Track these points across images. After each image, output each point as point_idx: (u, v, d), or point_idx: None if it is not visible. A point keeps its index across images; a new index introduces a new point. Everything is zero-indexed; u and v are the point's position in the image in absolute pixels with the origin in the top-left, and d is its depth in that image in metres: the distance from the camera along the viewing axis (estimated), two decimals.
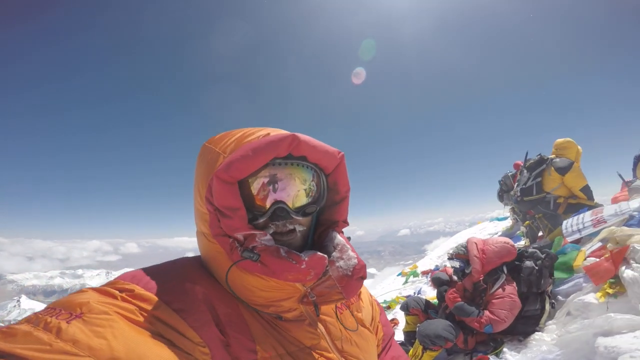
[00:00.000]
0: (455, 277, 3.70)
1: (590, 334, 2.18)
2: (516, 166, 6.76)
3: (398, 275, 8.42)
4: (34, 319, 0.60)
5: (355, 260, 0.84)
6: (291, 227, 0.81)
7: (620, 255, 2.66)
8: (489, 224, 9.43)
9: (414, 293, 5.96)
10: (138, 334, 0.61)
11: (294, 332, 0.83)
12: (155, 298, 0.69)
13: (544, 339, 2.73)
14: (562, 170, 4.72)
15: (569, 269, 3.33)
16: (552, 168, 4.81)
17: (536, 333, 2.91)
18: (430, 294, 5.48)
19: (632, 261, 2.55)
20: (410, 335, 3.61)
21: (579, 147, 5.00)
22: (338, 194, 0.92)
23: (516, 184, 5.43)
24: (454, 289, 3.36)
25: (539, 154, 5.12)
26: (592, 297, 2.65)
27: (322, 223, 0.94)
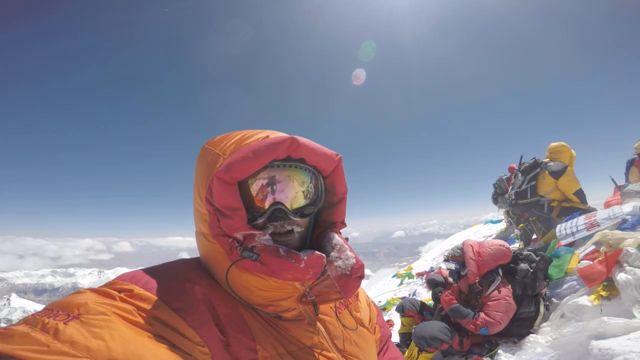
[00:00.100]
0: (450, 279, 3.72)
1: (584, 336, 2.21)
2: (511, 169, 6.83)
3: (393, 276, 8.46)
4: (31, 320, 0.59)
5: (354, 260, 0.85)
6: (289, 228, 0.82)
7: (613, 258, 2.69)
8: (483, 227, 9.50)
9: (409, 295, 5.98)
10: (136, 335, 0.61)
11: (294, 331, 0.83)
12: (155, 298, 0.69)
13: (539, 341, 2.76)
14: (556, 174, 4.77)
15: (563, 272, 3.37)
16: (547, 172, 4.86)
17: (531, 335, 2.94)
18: (425, 295, 5.51)
19: (625, 264, 2.59)
20: (405, 337, 3.63)
21: (573, 151, 5.07)
22: (336, 196, 0.93)
23: (511, 187, 5.49)
24: (450, 291, 3.38)
25: (534, 158, 5.18)
26: (586, 300, 2.68)
27: (320, 224, 0.95)
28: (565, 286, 3.16)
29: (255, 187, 0.80)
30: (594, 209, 4.51)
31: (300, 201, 0.84)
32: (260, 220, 0.80)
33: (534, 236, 5.37)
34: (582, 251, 3.48)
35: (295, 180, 0.83)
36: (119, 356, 0.56)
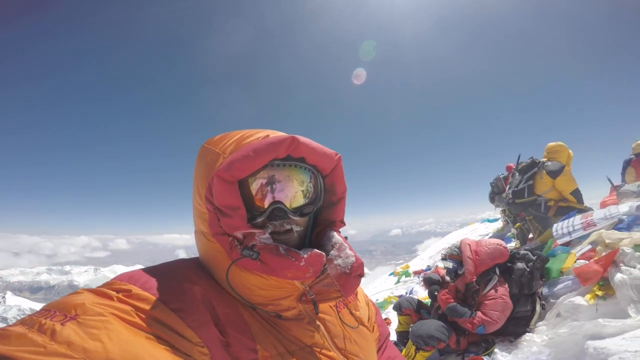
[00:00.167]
0: (447, 278, 3.74)
1: (580, 335, 2.23)
2: (508, 168, 6.86)
3: (390, 274, 8.47)
4: (28, 321, 0.59)
5: (353, 259, 0.85)
6: (288, 227, 0.82)
7: (609, 258, 2.71)
8: (480, 225, 9.54)
9: (406, 293, 6.00)
10: (134, 336, 0.61)
11: (294, 330, 0.83)
12: (153, 298, 0.69)
13: (535, 340, 2.78)
14: (554, 174, 4.80)
15: (559, 271, 3.40)
16: (544, 171, 4.88)
17: (527, 334, 2.96)
18: (422, 294, 5.52)
19: (621, 264, 2.61)
20: (402, 335, 3.64)
21: (570, 151, 5.10)
22: (335, 195, 0.93)
23: (508, 186, 5.51)
24: (446, 290, 3.39)
25: (531, 157, 5.20)
26: (581, 299, 2.70)
27: (319, 223, 0.95)
28: (561, 285, 3.18)
29: (255, 186, 0.80)
30: (590, 209, 4.54)
31: (300, 200, 0.84)
32: (259, 220, 0.80)
33: (531, 235, 5.40)
34: (578, 251, 3.51)
35: (294, 179, 0.83)
36: (117, 357, 0.56)
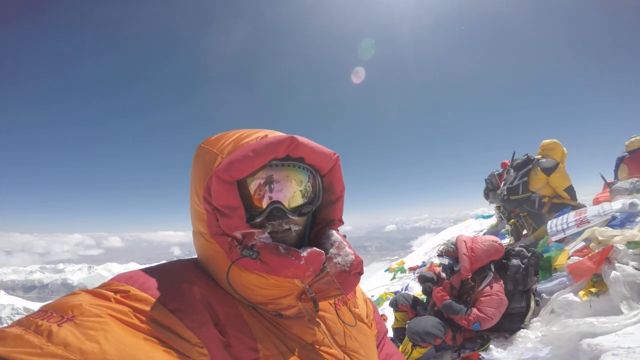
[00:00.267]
0: (443, 274, 3.76)
1: (574, 332, 2.26)
2: (503, 165, 6.90)
3: (385, 271, 8.52)
4: (25, 322, 0.59)
5: (353, 257, 0.86)
6: (287, 226, 0.82)
7: (602, 255, 2.75)
8: (475, 222, 9.61)
9: (402, 289, 6.03)
10: (132, 337, 0.61)
11: (295, 329, 0.83)
12: (151, 299, 0.68)
13: (529, 336, 2.81)
14: (548, 171, 4.84)
15: (553, 267, 3.43)
16: (539, 168, 4.92)
17: (521, 330, 2.99)
18: (417, 290, 5.56)
19: (614, 261, 2.65)
20: (399, 332, 3.66)
21: (564, 148, 5.14)
22: (333, 194, 0.94)
23: (503, 183, 5.54)
24: (441, 287, 3.42)
25: (526, 154, 5.24)
26: (575, 296, 2.74)
27: (318, 222, 0.95)
28: (555, 282, 3.22)
29: (253, 187, 0.80)
30: (583, 206, 4.60)
31: (298, 200, 0.85)
32: (258, 220, 0.80)
33: (525, 232, 5.45)
34: (572, 247, 3.55)
35: (293, 179, 0.83)
36: (114, 359, 0.56)
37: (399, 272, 7.58)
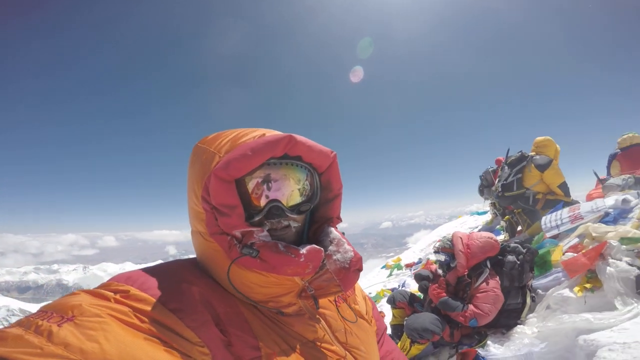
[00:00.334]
0: (440, 271, 3.79)
1: (570, 327, 2.29)
2: (498, 162, 6.95)
3: (382, 268, 8.55)
4: (25, 322, 0.59)
5: (352, 253, 0.86)
6: (286, 223, 0.82)
7: (596, 251, 2.79)
8: (470, 218, 9.68)
9: (399, 286, 6.06)
10: (132, 337, 0.60)
11: (296, 326, 0.84)
12: (151, 298, 0.68)
13: (526, 332, 2.84)
14: (542, 167, 4.89)
15: (548, 263, 3.48)
16: (533, 165, 4.97)
17: (518, 326, 3.03)
18: (414, 287, 5.59)
19: (608, 257, 2.69)
20: (397, 329, 3.69)
21: (558, 145, 5.19)
22: (331, 192, 0.94)
23: (497, 179, 5.59)
24: (437, 284, 3.45)
25: (520, 151, 5.28)
26: (570, 291, 2.78)
27: (316, 220, 0.96)
28: (550, 278, 3.26)
29: (251, 185, 0.80)
30: (576, 202, 4.65)
31: (297, 198, 0.85)
32: (257, 218, 0.80)
33: (519, 228, 5.51)
34: (566, 243, 3.59)
35: (291, 178, 0.83)
36: (114, 358, 0.56)
37: (396, 269, 7.62)
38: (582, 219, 3.71)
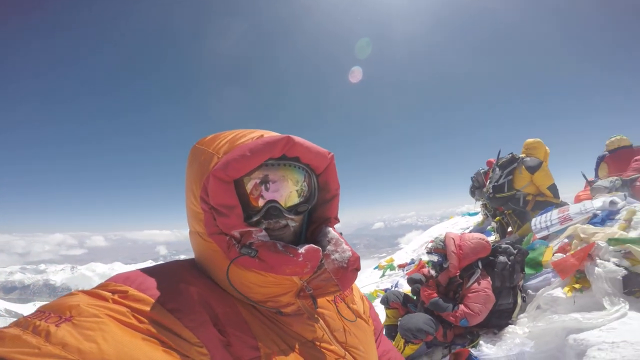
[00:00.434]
0: (432, 272, 3.82)
1: (560, 327, 2.34)
2: (489, 163, 7.03)
3: (375, 268, 8.57)
4: (22, 323, 0.59)
5: (350, 253, 0.87)
6: (284, 222, 0.83)
7: (585, 252, 2.85)
8: (461, 219, 9.75)
9: (392, 286, 6.08)
10: (130, 337, 0.61)
11: (295, 326, 0.84)
12: (149, 299, 0.69)
13: (517, 332, 2.89)
14: (532, 169, 4.97)
15: (538, 264, 3.54)
16: (523, 167, 5.04)
17: (509, 326, 3.07)
18: (407, 287, 5.62)
19: (596, 258, 2.75)
20: (390, 329, 3.71)
21: (547, 147, 5.28)
22: (329, 193, 0.95)
23: (489, 181, 5.66)
24: (428, 286, 3.49)
25: (511, 153, 5.36)
26: (560, 292, 2.83)
27: (314, 220, 0.97)
28: (540, 278, 3.31)
29: (250, 186, 0.81)
30: (566, 203, 4.73)
31: (294, 199, 0.86)
32: (255, 219, 0.81)
33: (510, 229, 5.59)
34: (555, 244, 3.65)
35: (289, 179, 0.84)
36: (112, 359, 0.56)
37: (388, 269, 7.65)
38: (571, 220, 3.79)
